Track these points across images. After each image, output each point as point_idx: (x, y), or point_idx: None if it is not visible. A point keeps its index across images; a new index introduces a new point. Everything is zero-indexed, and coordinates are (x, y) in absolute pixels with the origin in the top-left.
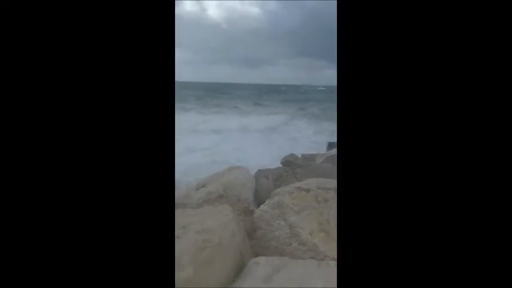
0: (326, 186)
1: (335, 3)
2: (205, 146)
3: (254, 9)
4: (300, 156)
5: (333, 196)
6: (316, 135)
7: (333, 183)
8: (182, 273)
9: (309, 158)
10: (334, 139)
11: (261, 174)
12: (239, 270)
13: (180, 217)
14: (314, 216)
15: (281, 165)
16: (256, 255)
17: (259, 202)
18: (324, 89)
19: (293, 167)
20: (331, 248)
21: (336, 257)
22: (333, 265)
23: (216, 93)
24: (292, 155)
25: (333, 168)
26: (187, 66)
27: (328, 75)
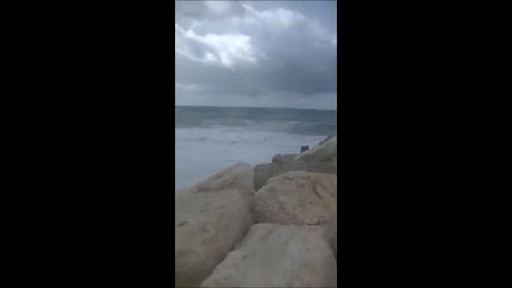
0: (302, 176)
1: (303, 55)
2: (221, 150)
3: (251, 59)
4: (283, 155)
5: (307, 182)
6: (293, 142)
7: (307, 174)
8: (207, 234)
9: (290, 157)
10: (306, 144)
11: (258, 168)
12: (244, 232)
13: (205, 198)
14: (295, 196)
15: (272, 162)
16: (256, 223)
17: (257, 187)
18: (297, 111)
19: (280, 163)
20: (306, 217)
21: (310, 223)
22: (307, 228)
23: (225, 114)
24: (279, 155)
25: (305, 164)
26: (203, 95)
27: (299, 102)
